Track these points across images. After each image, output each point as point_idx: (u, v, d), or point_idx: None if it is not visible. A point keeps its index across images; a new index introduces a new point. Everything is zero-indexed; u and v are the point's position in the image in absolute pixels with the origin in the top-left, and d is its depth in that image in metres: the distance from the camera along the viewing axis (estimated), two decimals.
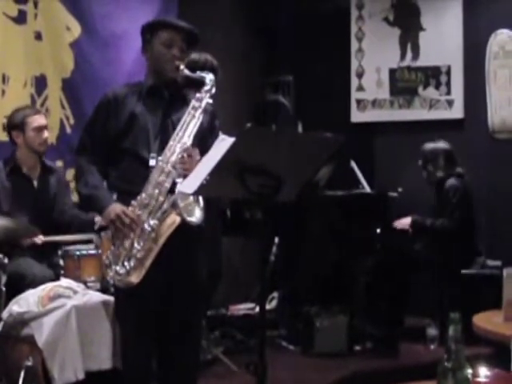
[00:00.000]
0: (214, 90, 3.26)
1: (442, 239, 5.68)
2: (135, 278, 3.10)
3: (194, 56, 4.24)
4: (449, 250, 5.67)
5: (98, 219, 4.35)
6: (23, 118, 4.50)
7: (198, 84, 3.28)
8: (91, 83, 5.39)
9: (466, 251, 5.69)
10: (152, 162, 3.18)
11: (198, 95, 3.24)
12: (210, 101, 3.25)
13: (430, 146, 5.88)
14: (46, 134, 4.57)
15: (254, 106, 6.73)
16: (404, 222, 5.75)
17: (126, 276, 3.11)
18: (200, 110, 3.20)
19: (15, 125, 4.51)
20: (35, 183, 4.59)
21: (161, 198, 3.11)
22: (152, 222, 3.10)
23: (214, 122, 3.39)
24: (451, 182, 5.72)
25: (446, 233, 5.60)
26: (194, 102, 3.22)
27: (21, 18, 4.99)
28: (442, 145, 5.86)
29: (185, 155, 3.12)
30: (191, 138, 3.16)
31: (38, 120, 4.55)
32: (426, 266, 5.74)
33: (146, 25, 3.37)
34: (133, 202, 3.15)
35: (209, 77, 3.27)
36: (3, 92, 4.90)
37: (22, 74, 5.01)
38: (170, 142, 3.16)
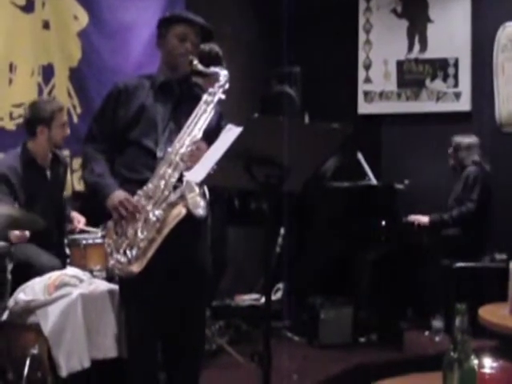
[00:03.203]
0: (227, 86, 3.25)
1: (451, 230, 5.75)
2: (136, 268, 3.10)
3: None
4: (456, 242, 5.71)
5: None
6: (52, 114, 4.43)
7: (209, 77, 3.28)
8: (98, 73, 5.39)
9: (476, 243, 5.72)
10: (160, 153, 3.19)
11: (210, 90, 3.24)
12: (223, 96, 3.24)
13: (465, 138, 5.99)
14: (68, 130, 4.58)
15: (261, 97, 6.72)
16: (422, 220, 5.83)
17: (127, 265, 3.12)
18: (212, 105, 3.21)
19: (42, 119, 4.42)
20: (48, 174, 4.57)
21: (167, 189, 3.12)
22: (157, 213, 3.10)
23: (221, 122, 3.38)
24: (470, 168, 5.88)
25: (466, 217, 5.68)
26: (206, 97, 3.23)
27: (28, 7, 4.97)
28: (475, 138, 6.02)
29: (194, 148, 3.12)
30: (201, 131, 3.17)
31: (64, 116, 4.54)
32: (431, 258, 5.76)
33: (162, 18, 3.38)
34: (139, 192, 3.16)
35: (223, 73, 3.27)
36: (10, 81, 4.88)
37: (29, 63, 5.00)
38: (180, 135, 3.16)
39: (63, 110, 4.58)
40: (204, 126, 3.17)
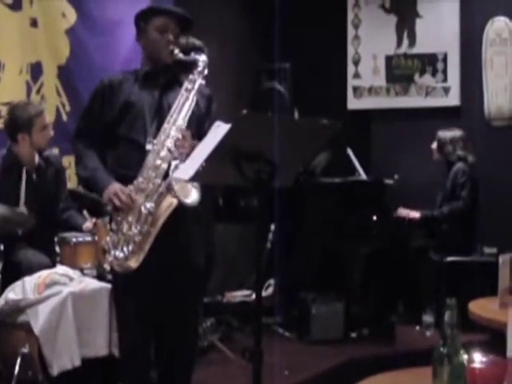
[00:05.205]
0: (206, 71, 3.26)
1: (441, 226, 5.74)
2: (134, 263, 3.10)
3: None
4: (446, 237, 5.71)
5: (86, 225, 4.42)
6: (30, 120, 4.37)
7: (192, 67, 3.29)
8: (87, 70, 5.36)
9: (465, 238, 5.73)
10: (149, 147, 3.19)
11: (190, 77, 3.25)
12: (203, 82, 3.26)
13: (448, 132, 5.95)
14: (51, 131, 4.55)
15: (251, 94, 6.72)
16: (412, 215, 5.81)
17: (125, 261, 3.11)
18: (193, 92, 3.22)
19: (21, 126, 4.38)
20: (34, 175, 4.54)
21: (157, 181, 3.12)
22: (149, 205, 3.10)
23: (211, 105, 3.39)
24: (459, 165, 5.84)
25: (456, 215, 5.67)
26: (186, 84, 3.24)
27: (16, 5, 4.95)
28: (459, 132, 5.96)
29: (179, 137, 3.13)
30: (186, 119, 3.18)
31: (43, 120, 4.46)
32: (422, 253, 5.77)
33: (140, 12, 3.38)
34: (129, 186, 3.15)
35: (201, 58, 3.29)
36: None
37: (17, 61, 4.98)
38: (165, 125, 3.17)
39: (43, 114, 4.49)
40: (188, 114, 3.18)
